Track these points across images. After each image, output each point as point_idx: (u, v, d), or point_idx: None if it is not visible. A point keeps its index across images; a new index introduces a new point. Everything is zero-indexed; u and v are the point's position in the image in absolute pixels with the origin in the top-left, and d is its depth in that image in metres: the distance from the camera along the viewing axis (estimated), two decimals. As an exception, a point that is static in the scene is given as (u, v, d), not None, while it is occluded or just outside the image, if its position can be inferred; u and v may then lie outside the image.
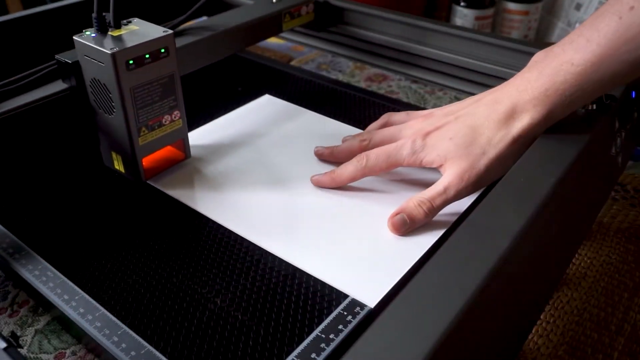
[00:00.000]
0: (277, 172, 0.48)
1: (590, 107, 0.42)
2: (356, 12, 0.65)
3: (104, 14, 0.42)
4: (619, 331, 0.43)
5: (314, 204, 0.45)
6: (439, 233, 0.41)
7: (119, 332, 0.35)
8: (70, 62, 0.44)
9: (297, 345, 0.33)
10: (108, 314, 0.36)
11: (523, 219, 0.31)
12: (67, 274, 0.39)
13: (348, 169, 0.45)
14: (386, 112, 0.51)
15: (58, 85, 0.47)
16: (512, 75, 0.42)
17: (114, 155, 0.47)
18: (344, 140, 0.50)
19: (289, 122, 0.56)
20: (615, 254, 0.50)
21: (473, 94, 0.45)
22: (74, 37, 0.42)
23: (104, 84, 0.42)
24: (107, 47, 0.40)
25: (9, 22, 0.59)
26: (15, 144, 0.46)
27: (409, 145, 0.43)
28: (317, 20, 0.66)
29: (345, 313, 0.35)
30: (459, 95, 0.68)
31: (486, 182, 0.41)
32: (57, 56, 0.45)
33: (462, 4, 0.97)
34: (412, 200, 0.41)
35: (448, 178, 0.41)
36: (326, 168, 0.48)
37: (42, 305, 0.41)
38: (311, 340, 0.33)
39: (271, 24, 0.60)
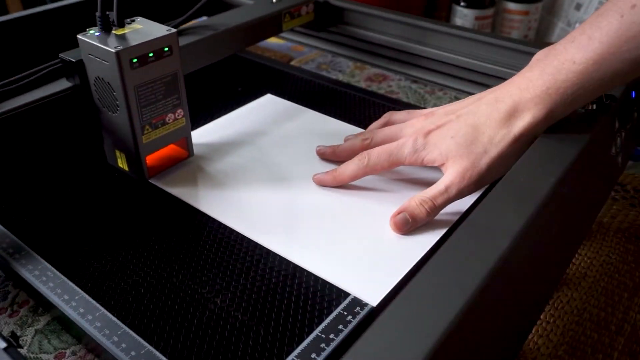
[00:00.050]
0: (279, 171, 0.48)
1: (590, 107, 0.42)
2: (356, 12, 0.65)
3: (107, 12, 0.42)
4: (619, 331, 0.43)
5: (315, 203, 0.45)
6: (441, 232, 0.41)
7: (119, 332, 0.35)
8: (74, 60, 0.44)
9: (297, 345, 0.33)
10: (108, 314, 0.36)
11: (523, 219, 0.31)
12: (67, 274, 0.39)
13: (350, 167, 0.45)
14: (386, 112, 0.51)
15: (57, 86, 0.47)
16: (512, 75, 0.42)
17: (117, 153, 0.47)
18: (345, 140, 0.50)
19: (291, 121, 0.56)
20: (615, 254, 0.50)
21: (473, 94, 0.45)
22: (78, 36, 0.42)
23: (108, 83, 0.42)
24: (112, 46, 0.40)
25: (9, 22, 0.59)
26: (16, 144, 0.46)
27: (410, 143, 0.43)
28: (317, 20, 0.66)
29: (345, 313, 0.35)
30: (459, 95, 0.68)
31: (488, 180, 0.41)
32: (61, 55, 0.45)
33: (462, 4, 0.97)
34: (414, 199, 0.41)
35: (449, 177, 0.41)
36: (328, 167, 0.48)
37: (42, 305, 0.41)
38: (311, 340, 0.33)
39: (271, 24, 0.60)
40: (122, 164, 0.47)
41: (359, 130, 0.53)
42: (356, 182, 0.46)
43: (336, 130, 0.54)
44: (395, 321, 0.25)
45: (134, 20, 0.44)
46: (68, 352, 0.38)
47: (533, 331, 0.43)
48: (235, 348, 0.34)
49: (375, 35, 0.64)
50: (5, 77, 0.46)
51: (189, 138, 0.49)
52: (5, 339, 0.28)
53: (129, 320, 0.36)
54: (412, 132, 0.44)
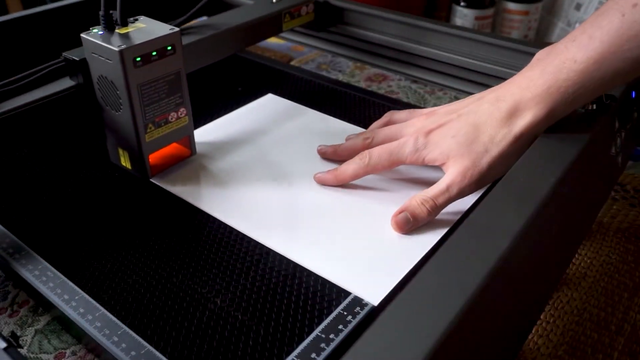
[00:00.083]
0: (280, 170, 0.48)
1: (590, 107, 0.42)
2: (356, 12, 0.65)
3: (111, 12, 0.42)
4: (619, 331, 0.43)
5: (316, 202, 0.45)
6: (442, 232, 0.41)
7: (119, 332, 0.35)
8: (77, 59, 0.44)
9: (297, 345, 0.33)
10: (108, 314, 0.36)
11: (523, 219, 0.31)
12: (67, 274, 0.39)
13: (351, 166, 0.45)
14: (386, 112, 0.51)
15: (57, 86, 0.47)
16: (512, 75, 0.42)
17: (120, 151, 0.47)
18: (347, 139, 0.50)
19: (292, 120, 0.56)
20: (615, 254, 0.50)
21: (473, 94, 0.45)
22: (82, 35, 0.42)
23: (112, 81, 0.42)
24: (115, 45, 0.40)
25: (10, 22, 0.59)
26: (16, 144, 0.46)
27: (411, 143, 0.43)
28: (317, 20, 0.66)
29: (345, 313, 0.35)
30: (459, 95, 0.68)
31: (489, 180, 0.41)
32: (64, 54, 0.45)
33: (462, 4, 0.97)
34: (415, 198, 0.41)
35: (451, 176, 0.41)
36: (329, 166, 0.48)
37: (42, 305, 0.41)
38: (311, 340, 0.33)
39: (271, 24, 0.60)
40: (125, 162, 0.47)
41: (360, 129, 0.54)
42: (357, 182, 0.46)
43: (337, 129, 0.54)
44: (395, 321, 0.25)
45: (137, 20, 0.44)
46: (68, 352, 0.38)
47: (533, 331, 0.43)
48: (235, 348, 0.34)
49: (375, 35, 0.64)
50: (5, 77, 0.46)
51: (191, 137, 0.49)
52: (5, 339, 0.28)
53: (129, 320, 0.36)
54: (413, 131, 0.44)
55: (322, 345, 0.33)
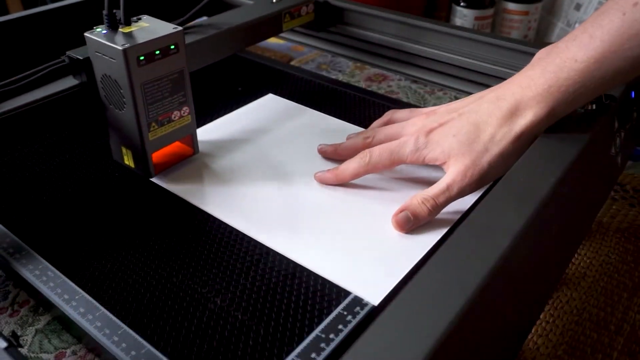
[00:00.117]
0: (281, 170, 0.49)
1: (589, 107, 0.42)
2: (356, 12, 0.65)
3: (114, 11, 0.42)
4: (619, 331, 0.43)
5: (317, 202, 0.45)
6: (442, 232, 0.41)
7: (119, 332, 0.35)
8: (81, 58, 0.45)
9: (297, 345, 0.33)
10: (108, 313, 0.36)
11: (523, 219, 0.31)
12: (68, 273, 0.39)
13: (351, 165, 0.45)
14: (386, 112, 0.51)
15: (56, 86, 0.47)
16: (512, 75, 0.42)
17: (123, 150, 0.47)
18: (347, 138, 0.50)
19: (292, 120, 0.56)
20: (615, 253, 0.50)
21: (473, 94, 0.45)
22: (86, 34, 0.42)
23: (115, 80, 0.42)
24: (119, 43, 0.40)
25: (10, 22, 0.59)
26: (15, 144, 0.46)
27: (412, 142, 0.43)
28: (317, 20, 0.66)
29: (345, 313, 0.35)
30: (459, 95, 0.68)
31: (489, 179, 0.41)
32: (68, 52, 0.46)
33: (462, 4, 0.97)
34: (416, 197, 0.41)
35: (451, 175, 0.41)
36: (330, 166, 0.48)
37: (42, 305, 0.41)
38: (311, 340, 0.33)
39: (271, 24, 0.60)
40: (128, 160, 0.47)
41: (360, 129, 0.54)
42: (357, 181, 0.46)
43: (338, 129, 0.54)
44: (395, 321, 0.25)
45: (140, 19, 0.44)
46: (68, 351, 0.38)
47: (533, 331, 0.43)
48: (235, 348, 0.34)
49: (375, 35, 0.64)
50: (5, 77, 0.46)
51: (194, 135, 0.49)
52: (5, 339, 0.28)
53: (129, 320, 0.36)
54: (414, 130, 0.44)
55: (322, 345, 0.33)
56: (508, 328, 0.34)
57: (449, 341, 0.24)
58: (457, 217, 0.42)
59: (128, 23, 0.43)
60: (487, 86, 0.45)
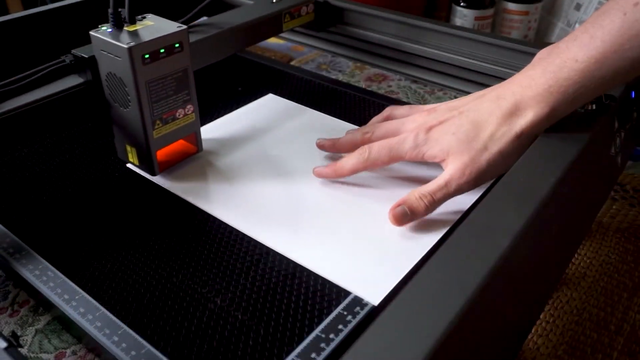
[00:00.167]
0: (281, 170, 0.49)
1: (589, 107, 0.42)
2: (356, 12, 0.65)
3: (119, 9, 0.43)
4: (619, 331, 0.43)
5: (317, 202, 0.45)
6: (442, 232, 0.41)
7: (119, 332, 0.35)
8: (86, 56, 0.45)
9: (297, 345, 0.33)
10: (108, 313, 0.36)
11: (523, 219, 0.31)
12: (68, 273, 0.39)
13: (350, 161, 0.45)
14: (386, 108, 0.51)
15: (56, 86, 0.46)
16: (511, 75, 0.42)
17: (128, 148, 0.47)
18: (347, 133, 0.50)
19: (293, 120, 0.56)
20: (615, 253, 0.50)
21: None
22: (91, 33, 0.42)
23: (120, 78, 0.42)
24: (124, 42, 0.41)
25: (10, 23, 0.59)
26: (15, 144, 0.46)
27: (411, 138, 0.43)
28: (317, 20, 0.66)
29: (345, 313, 0.35)
30: (459, 95, 0.68)
31: (488, 177, 0.41)
32: (73, 51, 0.46)
33: (462, 4, 0.97)
34: (414, 193, 0.41)
35: (449, 172, 0.41)
36: None
37: (42, 305, 0.41)
38: (311, 340, 0.33)
39: (271, 24, 0.60)
40: (132, 158, 0.47)
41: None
42: (358, 181, 0.46)
43: (338, 129, 0.54)
44: (395, 321, 0.25)
45: (144, 17, 0.45)
46: (68, 351, 0.38)
47: (533, 331, 0.43)
48: (235, 348, 0.34)
49: (375, 35, 0.64)
50: (5, 77, 0.46)
51: (198, 133, 0.49)
52: (5, 339, 0.28)
53: (129, 320, 0.36)
54: (414, 127, 0.44)
55: (322, 345, 0.33)
56: (508, 328, 0.34)
57: (449, 341, 0.24)
58: (457, 217, 0.42)
59: (133, 21, 0.43)
60: (487, 86, 0.45)
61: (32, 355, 0.38)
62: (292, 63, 0.83)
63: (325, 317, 0.35)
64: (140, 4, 0.45)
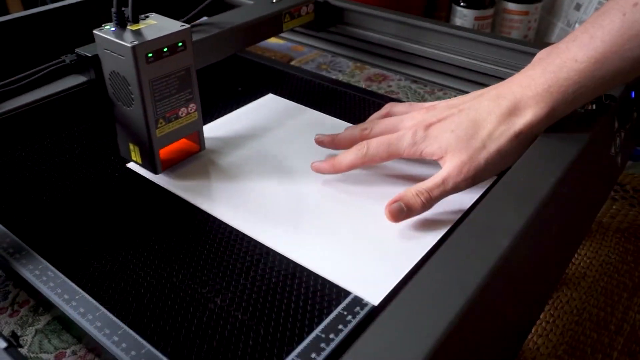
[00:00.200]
0: (281, 171, 0.49)
1: (589, 107, 0.42)
2: (356, 12, 0.65)
3: (123, 9, 0.43)
4: (619, 331, 0.43)
5: (317, 202, 0.45)
6: (442, 232, 0.41)
7: (119, 332, 0.35)
8: (90, 55, 0.45)
9: (297, 345, 0.33)
10: (108, 313, 0.36)
11: (523, 219, 0.31)
12: (68, 273, 0.39)
13: (348, 157, 0.45)
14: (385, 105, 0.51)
15: (56, 86, 0.47)
16: (511, 75, 0.42)
17: (131, 146, 0.47)
18: (346, 130, 0.50)
19: (293, 120, 0.56)
20: (615, 253, 0.50)
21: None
22: (94, 32, 0.43)
23: (124, 77, 0.43)
24: (128, 41, 0.41)
25: (10, 22, 0.59)
26: (15, 144, 0.46)
27: (409, 135, 0.43)
28: (317, 20, 0.66)
29: (345, 313, 0.35)
30: (459, 95, 0.68)
31: (486, 176, 0.41)
32: (77, 50, 0.46)
33: (462, 4, 0.97)
34: (411, 189, 0.41)
35: (447, 170, 0.41)
36: None
37: (42, 305, 0.41)
38: (311, 340, 0.33)
39: (271, 24, 0.60)
40: (135, 157, 0.47)
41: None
42: (358, 181, 0.46)
43: (338, 129, 0.54)
44: (395, 321, 0.25)
45: (148, 16, 0.45)
46: (68, 351, 0.38)
47: (533, 331, 0.43)
48: (235, 348, 0.34)
49: (375, 35, 0.64)
50: (5, 77, 0.46)
51: (200, 132, 0.49)
52: (5, 339, 0.28)
53: (129, 320, 0.36)
54: (413, 124, 0.44)
55: (322, 345, 0.33)
56: (508, 328, 0.34)
57: (449, 341, 0.24)
58: (457, 217, 0.42)
59: (136, 21, 0.44)
60: (487, 86, 0.45)
61: (32, 355, 0.38)
62: (292, 63, 0.83)
63: (325, 317, 0.35)
64: (143, 4, 0.45)
